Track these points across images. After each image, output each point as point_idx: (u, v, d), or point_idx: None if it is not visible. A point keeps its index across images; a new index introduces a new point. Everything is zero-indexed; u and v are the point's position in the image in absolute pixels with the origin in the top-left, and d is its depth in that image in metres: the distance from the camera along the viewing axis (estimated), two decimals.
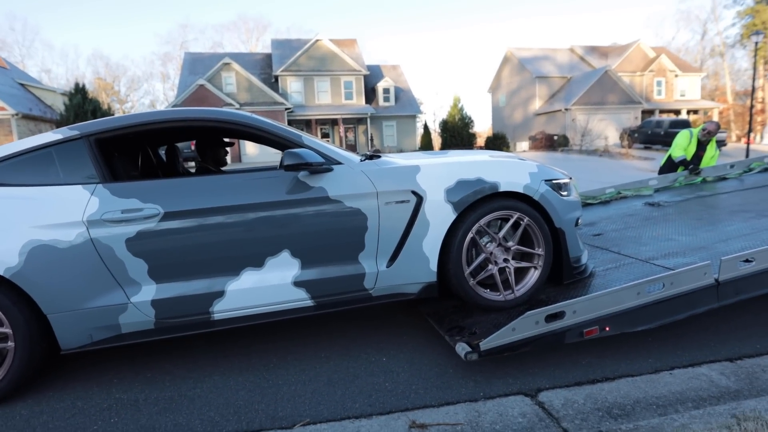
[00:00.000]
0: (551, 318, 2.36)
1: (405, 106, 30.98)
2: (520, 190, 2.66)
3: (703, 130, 6.14)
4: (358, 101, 29.74)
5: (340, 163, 2.59)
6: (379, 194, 2.55)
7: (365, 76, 30.15)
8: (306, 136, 2.66)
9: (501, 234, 2.69)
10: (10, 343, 2.30)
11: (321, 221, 2.50)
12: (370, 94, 30.77)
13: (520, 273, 2.78)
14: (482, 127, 43.98)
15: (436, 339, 2.88)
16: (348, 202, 2.52)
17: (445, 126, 25.56)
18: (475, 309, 2.77)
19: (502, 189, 2.63)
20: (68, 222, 2.30)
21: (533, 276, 2.76)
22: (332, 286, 2.55)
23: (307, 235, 2.50)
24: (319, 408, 2.26)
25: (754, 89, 20.29)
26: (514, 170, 2.73)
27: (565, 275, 2.84)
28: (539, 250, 2.74)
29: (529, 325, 2.32)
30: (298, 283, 2.51)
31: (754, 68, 20.05)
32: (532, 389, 2.35)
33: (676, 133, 6.72)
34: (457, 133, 25.01)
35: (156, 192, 2.39)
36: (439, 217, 2.58)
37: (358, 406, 2.26)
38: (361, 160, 2.69)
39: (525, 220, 2.68)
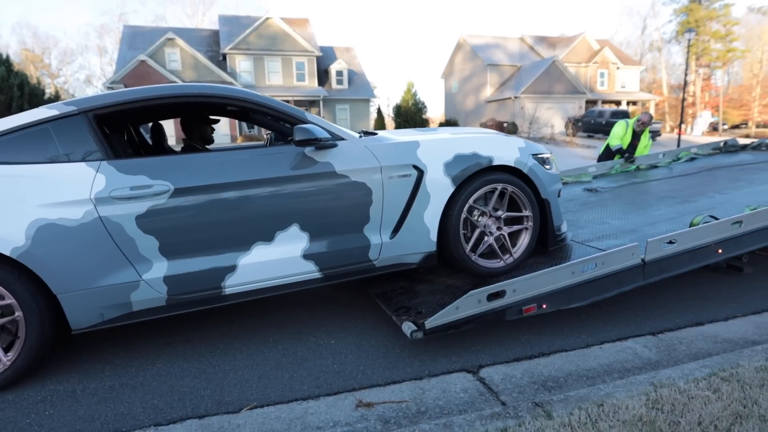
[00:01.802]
0: (493, 297, 2.47)
1: (358, 89, 30.70)
2: (512, 164, 2.82)
3: (638, 120, 6.52)
4: (311, 83, 29.16)
5: (343, 139, 2.64)
6: (383, 168, 2.63)
7: (318, 58, 29.55)
8: (308, 113, 2.69)
9: (491, 205, 2.84)
10: (20, 330, 2.22)
11: (328, 195, 2.55)
12: (323, 76, 30.23)
13: (513, 237, 2.95)
14: (435, 113, 44.40)
15: (384, 321, 2.95)
16: (354, 177, 2.58)
17: (399, 111, 25.58)
18: (474, 276, 2.90)
19: (495, 163, 2.77)
20: (75, 200, 2.22)
21: (525, 238, 2.94)
22: (339, 258, 2.62)
23: (315, 209, 2.54)
24: (267, 391, 2.26)
25: (686, 83, 21.65)
26: (505, 145, 2.89)
27: (549, 242, 3.04)
28: (527, 212, 2.91)
29: (471, 304, 2.42)
30: (307, 256, 2.55)
31: (687, 63, 21.38)
32: (474, 366, 2.46)
33: (616, 122, 7.09)
34: (410, 118, 25.11)
35: (164, 168, 2.35)
36: (438, 189, 2.70)
37: (306, 389, 2.28)
38: (360, 137, 2.74)
39: (509, 189, 2.84)
